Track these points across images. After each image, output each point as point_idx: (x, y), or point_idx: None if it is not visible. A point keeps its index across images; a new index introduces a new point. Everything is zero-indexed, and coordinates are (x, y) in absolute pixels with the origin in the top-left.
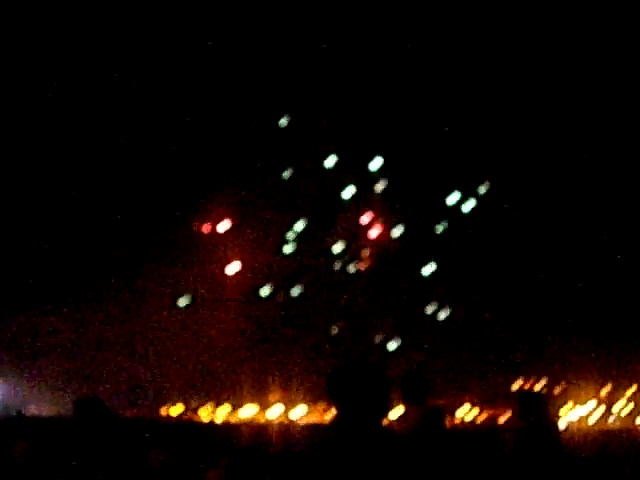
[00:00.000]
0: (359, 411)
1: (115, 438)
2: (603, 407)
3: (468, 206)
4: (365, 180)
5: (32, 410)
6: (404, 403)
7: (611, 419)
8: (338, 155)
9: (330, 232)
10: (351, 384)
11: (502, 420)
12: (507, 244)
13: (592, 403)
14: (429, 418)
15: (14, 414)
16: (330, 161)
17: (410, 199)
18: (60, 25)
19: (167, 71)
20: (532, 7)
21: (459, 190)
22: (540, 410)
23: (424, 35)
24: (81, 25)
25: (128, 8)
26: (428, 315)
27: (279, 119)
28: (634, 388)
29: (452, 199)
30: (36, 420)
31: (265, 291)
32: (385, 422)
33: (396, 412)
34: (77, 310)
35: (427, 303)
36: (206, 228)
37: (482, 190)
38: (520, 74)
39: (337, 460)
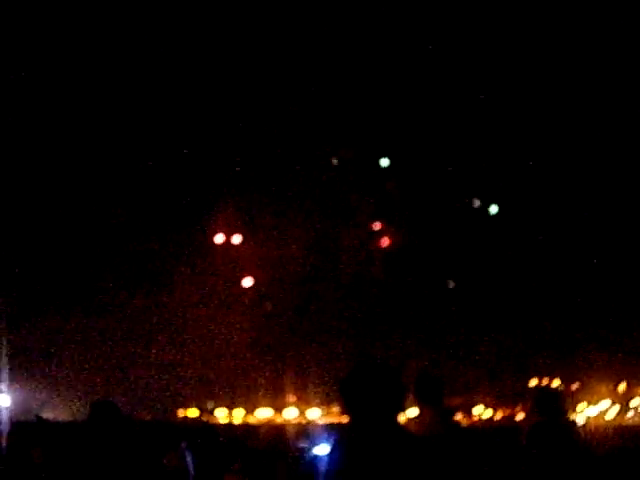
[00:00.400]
0: (373, 414)
1: (130, 441)
2: (620, 403)
3: (479, 207)
4: (375, 183)
5: (48, 414)
6: (418, 404)
7: (629, 414)
8: (347, 159)
9: (342, 235)
10: (364, 388)
11: (519, 418)
12: (521, 243)
13: (609, 399)
14: (443, 418)
15: (32, 419)
16: (340, 165)
17: (419, 201)
18: (60, 25)
19: (179, 82)
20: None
21: (468, 193)
22: (556, 407)
23: (436, 38)
24: (84, 27)
25: (133, 9)
26: (443, 314)
27: (288, 126)
28: None
29: (463, 201)
30: (53, 424)
31: (279, 293)
32: (402, 423)
33: (411, 413)
34: (92, 315)
35: (442, 303)
36: (218, 232)
37: (492, 192)
38: (526, 77)
39: (354, 462)
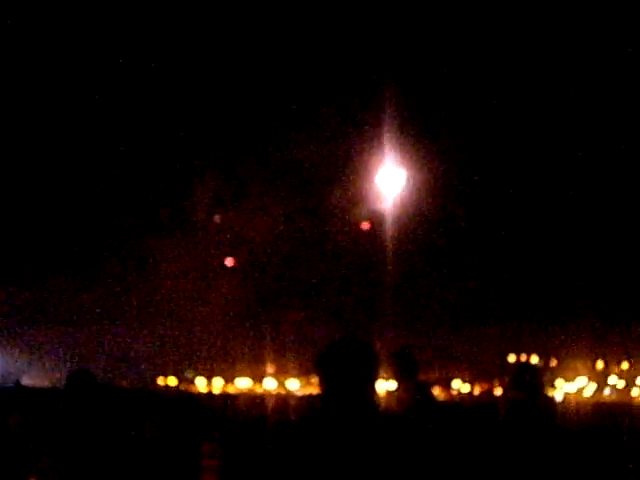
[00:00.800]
0: (345, 388)
1: (107, 410)
2: (598, 381)
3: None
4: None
5: (27, 381)
6: (395, 379)
7: (607, 392)
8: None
9: (329, 204)
10: (337, 362)
11: (497, 393)
12: (502, 220)
13: (586, 376)
14: (418, 392)
15: (11, 385)
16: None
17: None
18: (60, 25)
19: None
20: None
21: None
22: (535, 382)
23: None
24: (81, 25)
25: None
26: (423, 290)
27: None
28: (627, 362)
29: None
30: (32, 391)
31: (259, 264)
32: (376, 398)
33: (387, 387)
34: (73, 284)
35: (422, 278)
36: (200, 208)
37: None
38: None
39: (327, 434)
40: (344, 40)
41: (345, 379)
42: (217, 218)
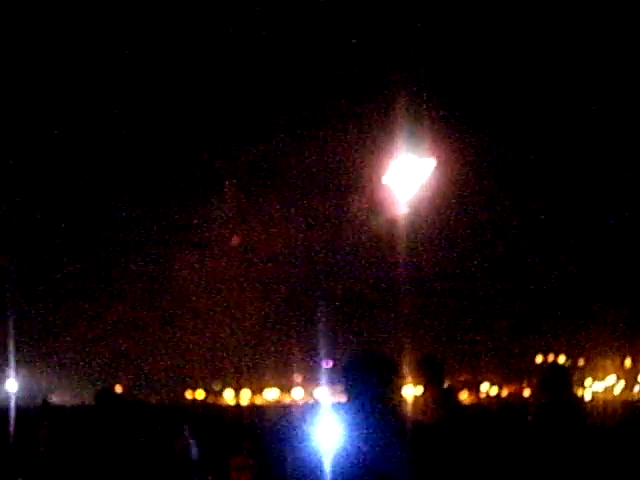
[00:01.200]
0: (368, 397)
1: (136, 426)
2: (626, 379)
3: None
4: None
5: (55, 399)
6: (422, 386)
7: (636, 389)
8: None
9: (349, 213)
10: (359, 373)
11: (526, 394)
12: (524, 221)
13: (615, 375)
14: (445, 399)
15: (39, 402)
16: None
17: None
18: (60, 25)
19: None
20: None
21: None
22: (564, 383)
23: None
24: (84, 27)
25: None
26: (449, 293)
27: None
28: None
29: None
30: (60, 409)
31: (286, 276)
32: (399, 406)
33: (414, 393)
34: (99, 300)
35: (448, 281)
36: (224, 206)
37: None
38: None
39: (350, 441)
40: (356, 48)
41: (365, 390)
42: (236, 238)
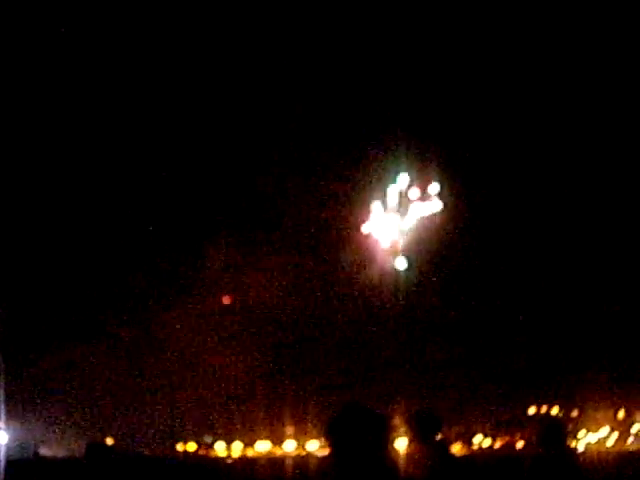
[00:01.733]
0: (356, 456)
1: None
2: (620, 430)
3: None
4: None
5: (46, 451)
6: (414, 440)
7: (630, 440)
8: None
9: (340, 266)
10: (348, 432)
11: (519, 446)
12: (513, 266)
13: (608, 426)
14: (438, 453)
15: (29, 455)
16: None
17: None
18: (60, 24)
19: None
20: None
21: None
22: (560, 438)
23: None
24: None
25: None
26: (439, 343)
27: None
28: None
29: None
30: (50, 461)
31: (277, 325)
32: (391, 461)
33: (406, 449)
34: (89, 352)
35: (438, 332)
36: (215, 260)
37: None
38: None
39: None
40: (345, 104)
41: (354, 447)
42: (227, 298)
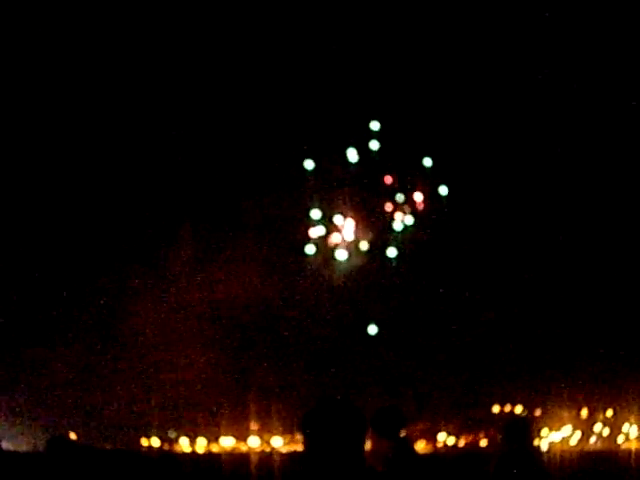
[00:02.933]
0: (333, 450)
1: (89, 474)
2: (583, 429)
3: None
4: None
5: (7, 445)
6: (376, 436)
7: (592, 440)
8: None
9: (307, 261)
10: (324, 425)
11: (483, 444)
12: (478, 266)
13: (571, 425)
14: (401, 449)
15: None
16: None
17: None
18: (59, 24)
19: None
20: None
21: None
22: (526, 435)
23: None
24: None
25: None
26: (406, 341)
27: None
28: (612, 409)
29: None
30: (12, 455)
31: (241, 320)
32: (363, 459)
33: (368, 445)
34: (51, 345)
35: (405, 329)
36: (175, 260)
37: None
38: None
39: None
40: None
41: (330, 442)
42: (195, 272)
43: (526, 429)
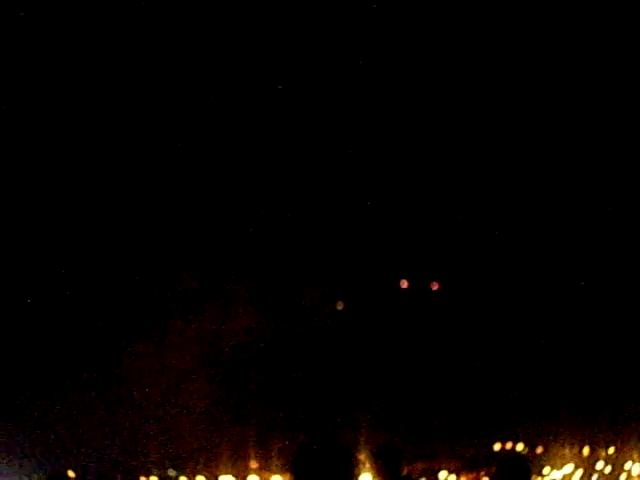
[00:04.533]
0: None
1: None
2: (584, 467)
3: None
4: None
5: None
6: (378, 475)
7: (594, 478)
8: None
9: (303, 300)
10: (314, 464)
11: None
12: (474, 308)
13: (573, 463)
14: None
15: None
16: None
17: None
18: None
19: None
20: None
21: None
22: (522, 473)
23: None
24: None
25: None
26: (406, 379)
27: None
28: (614, 447)
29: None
30: None
31: (241, 359)
32: None
33: None
34: (50, 383)
35: (405, 366)
36: (179, 291)
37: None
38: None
39: None
40: None
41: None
42: (194, 313)
43: (522, 468)
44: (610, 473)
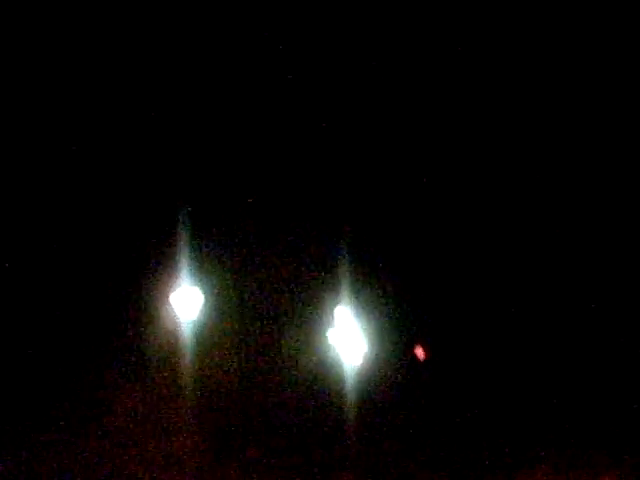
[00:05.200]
0: None
1: None
2: None
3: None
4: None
5: None
6: None
7: None
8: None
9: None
10: None
11: None
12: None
13: None
14: None
15: None
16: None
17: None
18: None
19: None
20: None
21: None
22: None
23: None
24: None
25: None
26: (411, 412)
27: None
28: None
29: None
30: None
31: (229, 402)
32: None
33: None
34: (35, 433)
35: (410, 400)
36: (163, 338)
37: None
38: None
39: None
40: None
41: None
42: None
43: None
44: None
